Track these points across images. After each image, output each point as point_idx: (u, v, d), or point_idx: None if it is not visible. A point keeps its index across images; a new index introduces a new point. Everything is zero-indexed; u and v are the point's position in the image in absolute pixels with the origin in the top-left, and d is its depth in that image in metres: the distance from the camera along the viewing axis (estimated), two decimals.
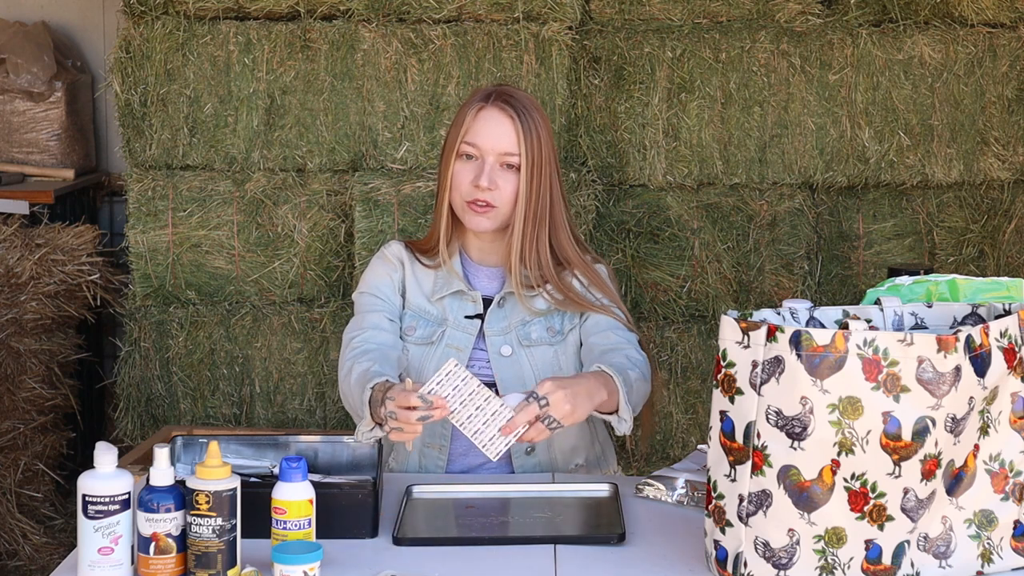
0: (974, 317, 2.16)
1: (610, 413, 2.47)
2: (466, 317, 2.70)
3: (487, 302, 2.72)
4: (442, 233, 2.70)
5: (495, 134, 2.63)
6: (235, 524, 2.04)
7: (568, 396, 2.32)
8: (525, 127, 2.63)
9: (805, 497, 1.97)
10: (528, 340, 2.69)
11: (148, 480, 2.07)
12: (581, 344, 2.70)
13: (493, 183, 2.62)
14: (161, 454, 2.05)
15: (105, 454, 2.04)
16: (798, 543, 1.99)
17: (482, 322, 2.70)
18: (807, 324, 2.12)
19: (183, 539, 2.04)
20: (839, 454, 1.96)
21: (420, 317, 2.72)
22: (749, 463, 1.99)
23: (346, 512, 2.23)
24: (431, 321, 2.71)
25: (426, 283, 2.74)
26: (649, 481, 2.49)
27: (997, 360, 2.05)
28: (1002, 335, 2.07)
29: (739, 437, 2.00)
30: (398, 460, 2.72)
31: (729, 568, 2.03)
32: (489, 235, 2.70)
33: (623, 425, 2.47)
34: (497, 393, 2.59)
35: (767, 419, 1.97)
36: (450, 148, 2.66)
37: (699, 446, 2.58)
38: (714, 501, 2.05)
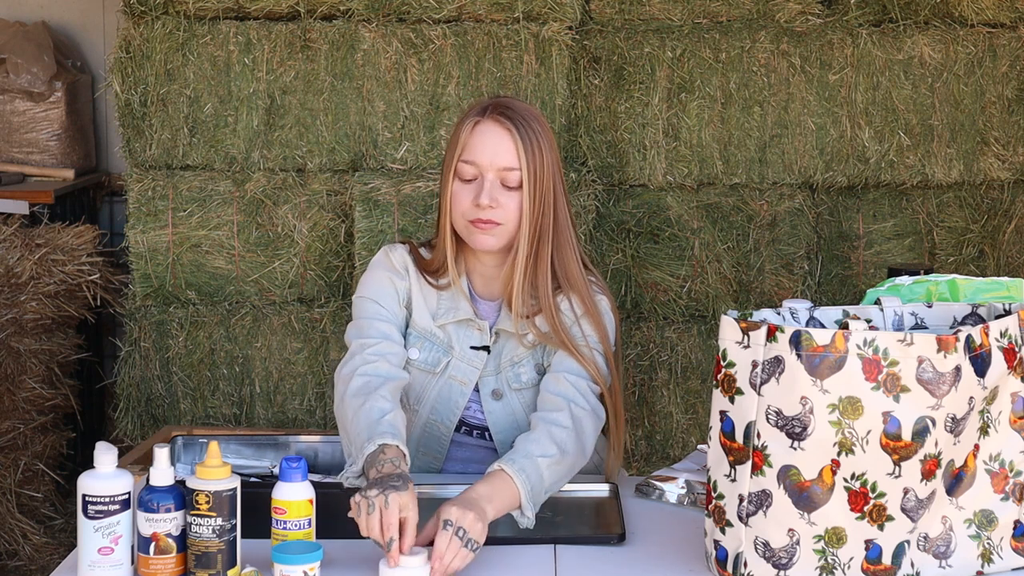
0: (974, 317, 2.16)
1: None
2: (472, 348, 2.59)
3: None
4: (448, 254, 2.56)
5: (493, 149, 2.49)
6: (235, 524, 2.04)
7: (478, 516, 2.16)
8: (525, 139, 2.49)
9: (805, 497, 1.97)
10: (519, 383, 2.58)
11: (148, 480, 2.07)
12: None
13: (494, 200, 2.48)
14: (161, 454, 2.05)
15: (105, 454, 2.04)
16: (798, 543, 1.99)
17: (488, 355, 2.58)
18: (807, 324, 2.11)
19: (183, 539, 2.04)
20: (839, 454, 1.96)
21: (425, 339, 2.59)
22: (749, 463, 1.99)
23: (346, 512, 2.23)
24: (437, 346, 2.59)
25: (431, 302, 2.60)
26: (649, 481, 2.49)
27: (997, 360, 2.05)
28: (1002, 335, 2.07)
29: (739, 437, 2.00)
30: None
31: (729, 568, 2.03)
32: (494, 259, 2.56)
33: (524, 520, 2.30)
34: (490, 438, 2.57)
35: (767, 419, 1.97)
36: (448, 168, 2.53)
37: (699, 446, 2.58)
38: (714, 501, 2.05)
